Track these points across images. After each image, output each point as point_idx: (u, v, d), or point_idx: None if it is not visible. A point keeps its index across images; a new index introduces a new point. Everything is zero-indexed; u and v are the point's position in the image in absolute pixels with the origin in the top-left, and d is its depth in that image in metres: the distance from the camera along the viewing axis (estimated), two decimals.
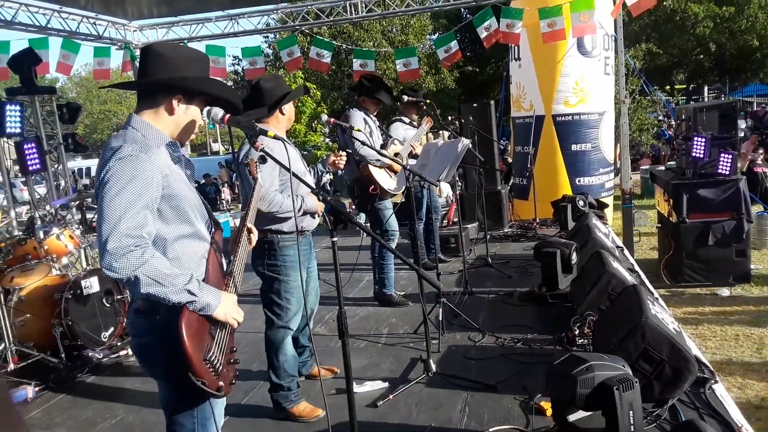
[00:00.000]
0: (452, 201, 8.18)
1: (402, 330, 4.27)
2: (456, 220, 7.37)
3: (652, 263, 8.96)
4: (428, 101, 5.31)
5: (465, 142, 4.17)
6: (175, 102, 1.89)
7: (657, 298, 3.76)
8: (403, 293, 5.12)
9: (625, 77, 9.16)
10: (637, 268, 5.18)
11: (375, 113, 4.82)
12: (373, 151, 4.17)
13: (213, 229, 2.02)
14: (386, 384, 3.37)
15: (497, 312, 4.44)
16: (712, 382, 2.95)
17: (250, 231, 2.17)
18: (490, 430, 2.75)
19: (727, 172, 7.93)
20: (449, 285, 5.22)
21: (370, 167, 4.48)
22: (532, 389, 3.07)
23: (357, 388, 3.21)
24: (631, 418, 2.22)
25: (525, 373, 3.32)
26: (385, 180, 4.56)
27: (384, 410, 3.08)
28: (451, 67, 20.41)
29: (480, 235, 6.73)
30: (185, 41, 9.02)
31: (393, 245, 4.74)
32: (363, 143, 3.98)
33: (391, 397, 3.17)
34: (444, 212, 7.82)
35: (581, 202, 6.45)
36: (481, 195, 6.22)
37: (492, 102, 7.87)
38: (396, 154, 4.72)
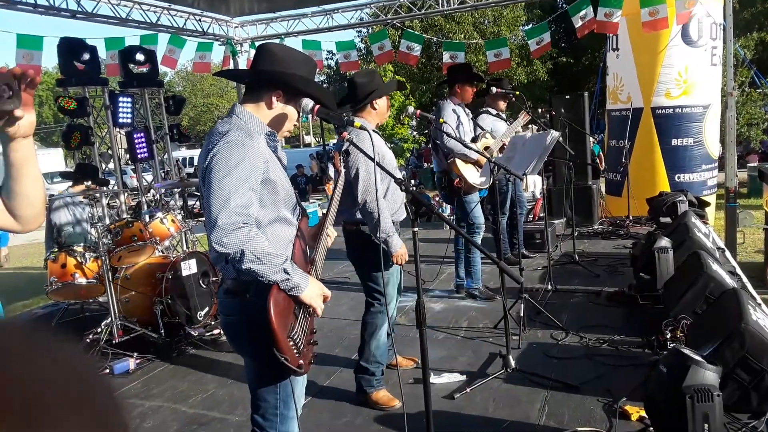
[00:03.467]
0: (541, 195, 7.96)
1: (482, 324, 4.22)
2: (542, 215, 7.17)
3: (757, 267, 8.26)
4: (517, 92, 5.19)
5: (554, 135, 4.03)
6: (274, 98, 1.98)
7: (760, 304, 3.46)
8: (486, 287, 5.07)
9: (733, 68, 8.47)
10: (739, 271, 4.80)
11: (470, 101, 4.77)
12: (459, 144, 4.13)
13: (300, 217, 2.09)
14: (464, 377, 3.35)
15: (582, 311, 4.28)
16: None
17: (329, 232, 2.20)
18: (571, 431, 2.66)
19: None
20: (533, 281, 5.09)
21: (457, 161, 4.45)
22: (616, 392, 2.94)
23: (434, 379, 3.22)
24: (706, 429, 2.06)
25: (609, 376, 3.18)
26: (472, 174, 4.51)
27: (460, 403, 3.06)
28: (545, 58, 19.77)
29: (567, 231, 6.50)
30: (282, 37, 9.34)
31: (478, 239, 4.68)
32: (449, 135, 3.95)
33: (468, 390, 3.15)
34: (530, 207, 7.63)
35: (680, 200, 6.06)
36: (570, 190, 6.00)
37: (586, 94, 7.55)
38: (486, 148, 4.66)
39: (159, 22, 7.93)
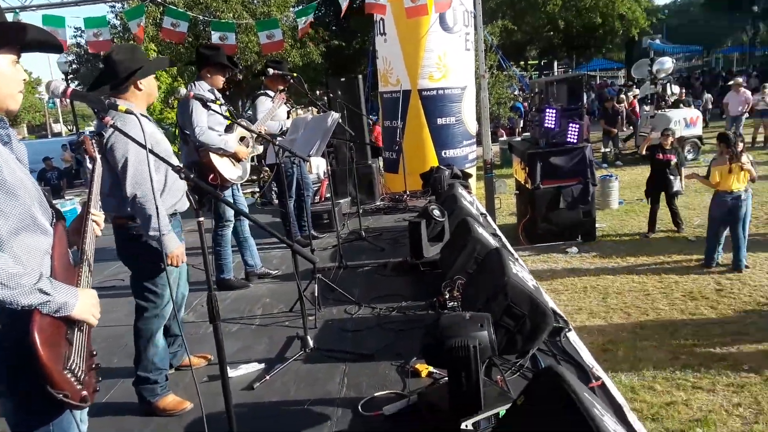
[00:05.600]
0: (324, 177, 8.19)
1: (277, 309, 4.23)
2: (328, 195, 7.40)
3: (512, 227, 9.67)
4: (295, 74, 5.23)
5: (335, 116, 4.16)
6: None
7: (517, 259, 4.05)
8: (276, 271, 5.09)
9: (483, 53, 9.65)
10: (499, 232, 5.55)
11: (221, 87, 4.46)
12: (214, 136, 4.00)
13: (55, 220, 1.81)
14: (262, 365, 3.33)
15: (372, 283, 4.55)
16: (566, 330, 3.26)
17: (95, 217, 1.97)
18: (369, 397, 2.83)
19: (575, 141, 8.72)
20: (324, 260, 5.25)
21: (211, 155, 4.21)
22: (406, 354, 3.20)
23: (231, 373, 3.14)
24: (463, 379, 2.34)
25: (400, 340, 3.45)
26: (227, 168, 4.33)
27: (260, 392, 3.05)
28: (317, 41, 20.21)
29: (353, 209, 6.81)
30: (17, 10, 8.04)
31: (228, 232, 4.61)
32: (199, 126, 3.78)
33: (267, 377, 3.14)
34: (316, 188, 7.81)
35: (448, 173, 6.76)
36: (353, 170, 6.28)
37: (360, 77, 7.93)
38: (242, 139, 4.49)
39: None
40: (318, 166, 8.89)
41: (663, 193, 8.80)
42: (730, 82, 17.40)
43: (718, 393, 4.62)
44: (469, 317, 2.41)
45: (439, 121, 9.07)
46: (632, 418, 2.55)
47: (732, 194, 6.83)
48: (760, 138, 15.64)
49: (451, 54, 8.92)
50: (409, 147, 8.42)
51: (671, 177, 8.65)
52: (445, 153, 9.12)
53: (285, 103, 5.34)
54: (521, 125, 19.62)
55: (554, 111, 8.69)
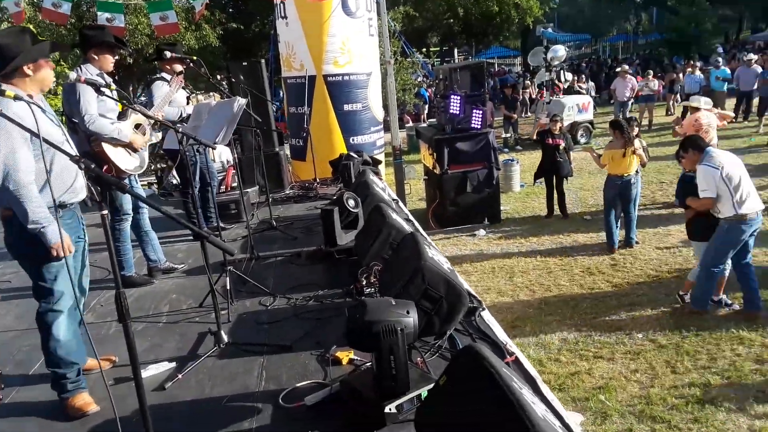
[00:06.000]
0: (229, 165, 7.94)
1: (186, 305, 4.08)
2: (234, 185, 7.19)
3: (422, 212, 9.89)
4: (194, 57, 5.01)
5: (241, 102, 4.04)
6: None
7: (431, 243, 4.15)
8: (182, 266, 4.90)
9: (388, 39, 9.72)
10: (411, 217, 5.65)
11: (110, 70, 4.19)
12: (106, 124, 3.77)
13: None
14: (173, 364, 3.20)
15: (286, 274, 4.49)
16: (481, 310, 3.40)
17: None
18: (291, 388, 2.80)
19: (479, 127, 9.02)
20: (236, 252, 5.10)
21: (104, 145, 3.98)
22: (326, 343, 3.20)
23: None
24: (392, 362, 2.41)
25: (318, 329, 3.43)
26: (123, 159, 4.10)
27: (173, 392, 2.93)
28: (214, 23, 19.48)
29: (262, 198, 6.67)
30: None
31: (126, 226, 4.40)
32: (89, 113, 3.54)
33: (179, 376, 3.02)
34: (221, 177, 7.57)
35: (358, 159, 6.77)
36: (260, 157, 6.13)
37: (263, 61, 7.73)
38: (137, 126, 4.25)
39: None
40: (221, 153, 8.58)
41: (553, 176, 9.27)
42: (617, 69, 18.69)
43: (617, 361, 5.01)
44: (394, 302, 2.44)
45: (346, 107, 9.05)
46: (545, 389, 2.71)
47: (623, 178, 7.33)
48: (645, 122, 16.97)
49: (355, 39, 8.90)
50: (315, 134, 8.33)
51: (560, 161, 9.13)
52: (353, 139, 9.12)
53: (183, 88, 5.10)
54: (426, 112, 20.01)
55: (459, 97, 8.94)
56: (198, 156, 5.25)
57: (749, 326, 5.31)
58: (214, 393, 2.89)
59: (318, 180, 7.60)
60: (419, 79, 21.23)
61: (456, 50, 36.43)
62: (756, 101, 15.12)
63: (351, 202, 4.56)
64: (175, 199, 4.88)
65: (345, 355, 3.05)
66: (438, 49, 34.45)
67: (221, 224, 5.71)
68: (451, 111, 8.96)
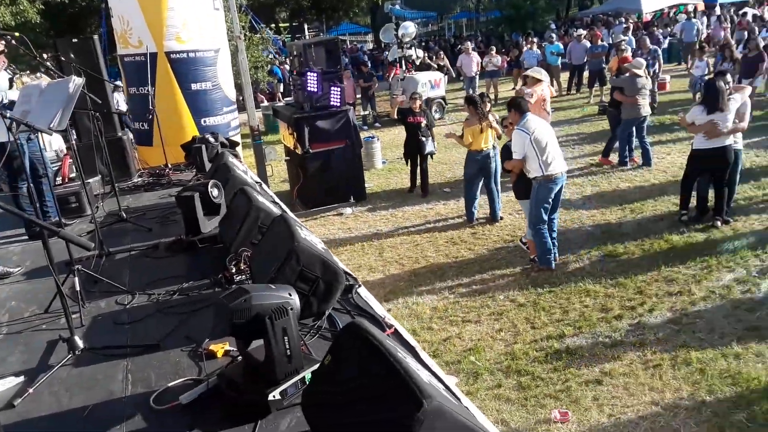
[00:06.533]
0: (64, 154, 7.21)
1: (28, 312, 3.66)
2: (73, 175, 6.57)
3: (286, 194, 9.77)
4: (17, 33, 4.45)
5: (78, 82, 3.66)
6: None
7: (302, 224, 4.10)
8: (19, 269, 4.40)
9: (236, 13, 9.35)
10: (277, 199, 5.55)
11: None
12: None
13: None
14: (21, 378, 2.88)
15: (144, 268, 4.20)
16: (357, 286, 3.44)
17: None
18: (162, 389, 2.64)
19: (339, 104, 9.04)
20: (80, 249, 4.66)
21: None
22: (197, 337, 3.05)
23: None
24: (286, 343, 2.39)
25: (187, 324, 3.27)
26: None
27: (25, 408, 2.63)
28: None
29: (107, 188, 6.15)
30: None
31: None
32: None
33: (30, 390, 2.72)
34: (56, 168, 6.87)
35: (213, 142, 6.47)
36: (101, 144, 5.63)
37: (96, 37, 7.08)
38: None
39: None
40: (51, 142, 7.75)
41: (418, 154, 9.49)
42: (461, 46, 19.67)
43: (483, 323, 5.36)
44: (273, 286, 2.39)
45: (194, 86, 8.62)
46: (425, 356, 2.82)
47: (482, 153, 7.72)
48: (491, 97, 18.09)
49: (198, 13, 8.46)
50: (163, 116, 7.84)
51: (423, 139, 9.29)
52: (204, 121, 8.73)
53: (6, 69, 4.52)
54: (281, 90, 19.65)
55: (315, 74, 8.87)
56: (27, 144, 4.70)
57: (595, 280, 5.93)
58: (73, 404, 2.64)
59: (170, 166, 7.16)
60: (271, 56, 20.74)
61: (306, 26, 36.08)
62: (586, 74, 16.74)
63: (215, 192, 4.36)
64: (2, 195, 4.33)
65: (220, 348, 2.93)
66: (287, 24, 33.88)
67: (63, 220, 5.20)
68: (309, 89, 8.88)
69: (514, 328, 5.24)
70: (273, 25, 29.60)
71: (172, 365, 2.87)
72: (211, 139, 6.47)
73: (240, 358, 2.83)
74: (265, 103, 17.46)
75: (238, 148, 8.22)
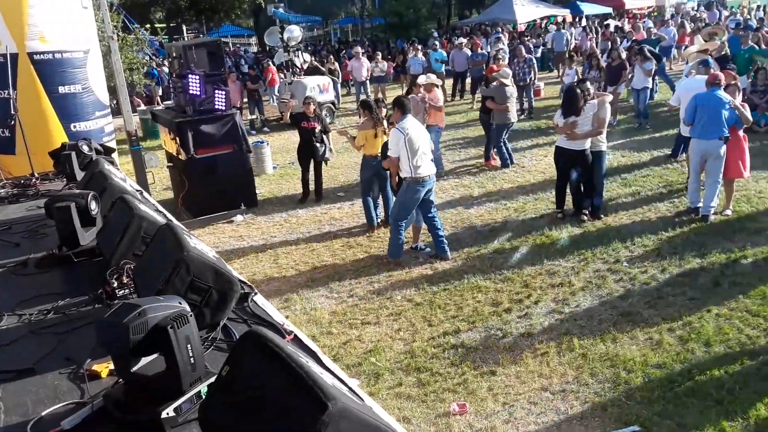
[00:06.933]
0: None
1: None
2: None
3: (170, 202, 9.35)
4: None
5: None
6: None
7: (189, 233, 3.94)
8: None
9: (108, 11, 8.84)
10: (161, 208, 5.28)
11: None
12: None
13: None
14: None
15: (12, 287, 3.83)
16: (253, 294, 3.35)
17: None
18: (37, 417, 2.43)
19: (224, 108, 8.79)
20: None
21: None
22: (78, 357, 2.84)
23: None
24: (190, 351, 2.30)
25: (66, 344, 3.02)
26: None
27: None
28: None
29: None
30: None
31: None
32: None
33: None
34: None
35: (86, 149, 6.05)
36: None
37: None
38: None
39: None
40: None
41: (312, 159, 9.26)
42: (351, 51, 19.86)
43: (382, 324, 5.43)
44: (162, 297, 2.28)
45: (62, 89, 8.04)
46: (327, 360, 2.81)
47: (377, 158, 7.71)
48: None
49: (64, 12, 7.91)
50: (27, 121, 7.22)
51: (317, 144, 9.03)
52: (75, 126, 8.19)
53: None
54: (160, 93, 18.77)
55: (198, 77, 8.56)
56: None
57: (485, 276, 6.21)
58: None
59: (37, 175, 6.60)
60: (147, 57, 19.74)
61: (185, 27, 34.79)
62: (468, 81, 17.51)
63: (93, 205, 4.09)
64: None
65: (104, 367, 2.74)
66: (164, 25, 32.45)
67: None
68: (191, 92, 8.55)
69: (413, 327, 5.36)
70: (148, 26, 28.21)
71: (51, 389, 2.65)
72: (84, 146, 6.05)
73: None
74: (143, 107, 16.62)
75: (114, 155, 7.74)
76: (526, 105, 14.84)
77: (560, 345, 4.92)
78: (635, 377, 4.42)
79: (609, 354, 4.74)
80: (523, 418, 4.13)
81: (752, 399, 4.07)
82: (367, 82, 17.64)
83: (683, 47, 17.62)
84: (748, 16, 24.84)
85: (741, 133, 7.24)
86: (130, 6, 22.71)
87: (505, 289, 5.92)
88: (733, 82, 7.68)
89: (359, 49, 19.29)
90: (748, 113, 7.24)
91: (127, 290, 3.40)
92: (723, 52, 11.86)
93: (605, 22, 26.60)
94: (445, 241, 6.80)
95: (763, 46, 13.04)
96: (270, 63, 18.60)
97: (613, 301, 5.56)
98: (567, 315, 5.38)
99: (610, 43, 17.11)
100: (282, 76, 17.26)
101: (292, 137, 9.84)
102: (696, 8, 33.70)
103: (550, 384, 4.46)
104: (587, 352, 4.78)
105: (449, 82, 18.47)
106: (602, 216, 7.52)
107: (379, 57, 18.43)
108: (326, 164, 9.64)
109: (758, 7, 29.72)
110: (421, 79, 9.59)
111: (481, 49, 18.41)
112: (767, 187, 8.09)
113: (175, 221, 4.81)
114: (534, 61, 15.38)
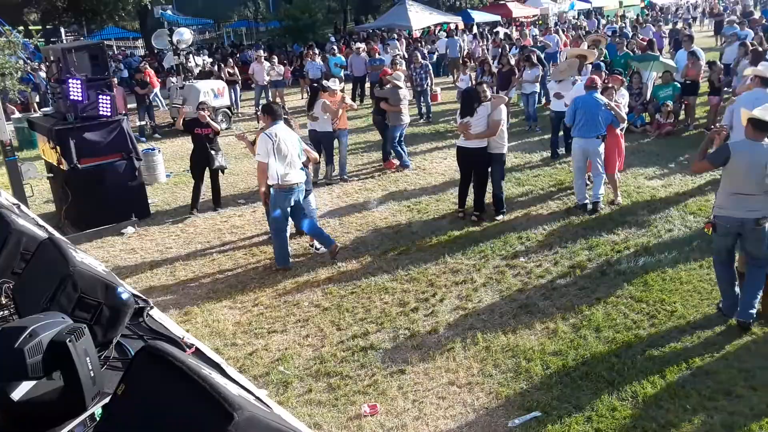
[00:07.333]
0: None
1: None
2: None
3: (53, 215, 8.72)
4: None
5: None
6: None
7: (75, 248, 3.69)
8: None
9: None
10: (41, 222, 4.91)
11: None
12: None
13: None
14: None
15: None
16: (149, 308, 3.20)
17: None
18: None
19: (109, 114, 8.32)
20: None
21: None
22: None
23: None
24: (89, 363, 2.19)
25: None
26: None
27: None
28: None
29: None
30: None
31: None
32: None
33: None
34: None
35: None
36: None
37: None
38: None
39: None
40: None
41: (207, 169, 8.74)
42: (253, 54, 19.43)
43: (289, 331, 5.35)
44: (43, 315, 2.13)
45: None
46: (232, 371, 2.73)
47: None
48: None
49: None
50: None
51: (212, 152, 8.63)
52: None
53: None
54: (37, 99, 17.48)
55: (79, 81, 8.04)
56: None
57: (392, 277, 6.29)
58: None
59: None
60: (21, 61, 18.29)
61: (63, 29, 32.59)
62: (368, 85, 17.69)
63: None
64: None
65: None
66: (40, 27, 30.26)
67: None
68: (72, 97, 8.02)
69: (321, 332, 5.32)
70: (21, 28, 26.19)
71: None
72: None
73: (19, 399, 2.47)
74: (18, 115, 15.42)
75: None
76: (424, 110, 15.20)
77: (465, 340, 5.07)
78: (534, 365, 4.64)
79: (510, 345, 4.95)
80: (432, 413, 4.22)
81: (639, 378, 4.40)
82: (268, 86, 17.38)
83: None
84: (623, 24, 26.86)
85: (618, 131, 7.91)
86: (0, 6, 21.00)
87: (411, 289, 6.03)
88: (611, 85, 8.31)
89: (261, 52, 18.93)
90: (623, 113, 7.94)
91: (6, 311, 3.14)
92: (602, 59, 12.79)
93: (494, 30, 27.83)
94: (323, 232, 6.92)
95: (638, 52, 14.19)
96: (146, 65, 17.84)
97: (512, 294, 5.82)
98: (470, 310, 5.57)
99: (500, 49, 17.90)
100: (173, 80, 16.60)
101: (186, 143, 9.45)
102: (576, 17, 36.17)
103: (456, 378, 4.59)
104: (490, 345, 4.97)
105: (349, 87, 18.58)
106: (504, 214, 7.81)
107: (275, 60, 18.19)
108: (223, 173, 9.24)
109: (631, 18, 32.27)
110: (334, 84, 9.70)
111: (379, 54, 18.67)
112: (645, 183, 8.79)
113: (58, 235, 4.50)
114: (430, 66, 15.80)
